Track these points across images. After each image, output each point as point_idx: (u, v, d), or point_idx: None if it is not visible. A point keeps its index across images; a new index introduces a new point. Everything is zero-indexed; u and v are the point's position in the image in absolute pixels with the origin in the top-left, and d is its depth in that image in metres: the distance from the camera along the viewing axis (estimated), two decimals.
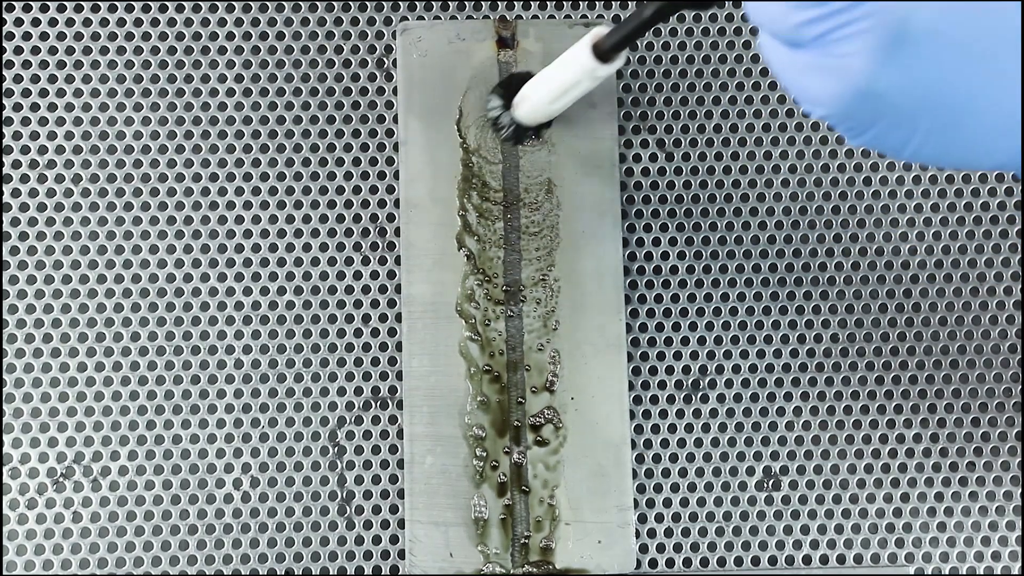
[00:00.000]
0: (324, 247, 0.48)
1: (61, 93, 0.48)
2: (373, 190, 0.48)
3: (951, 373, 0.48)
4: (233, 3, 0.49)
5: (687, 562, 0.47)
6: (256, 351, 0.47)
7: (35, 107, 0.48)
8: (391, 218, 0.48)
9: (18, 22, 0.48)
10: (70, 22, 0.48)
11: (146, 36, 0.48)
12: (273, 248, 0.48)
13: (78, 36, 0.48)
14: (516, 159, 0.47)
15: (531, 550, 0.45)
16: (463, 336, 0.46)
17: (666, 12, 0.37)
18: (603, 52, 0.40)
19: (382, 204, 0.48)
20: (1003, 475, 0.48)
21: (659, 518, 0.47)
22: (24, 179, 0.47)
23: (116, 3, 0.48)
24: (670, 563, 0.47)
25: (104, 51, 0.48)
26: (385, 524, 0.46)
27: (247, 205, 0.48)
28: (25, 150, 0.47)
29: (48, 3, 0.48)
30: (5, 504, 0.45)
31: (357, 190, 0.48)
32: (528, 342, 0.46)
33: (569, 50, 0.41)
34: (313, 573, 0.46)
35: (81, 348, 0.46)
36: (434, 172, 0.47)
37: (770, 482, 0.47)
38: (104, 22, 0.48)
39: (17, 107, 0.47)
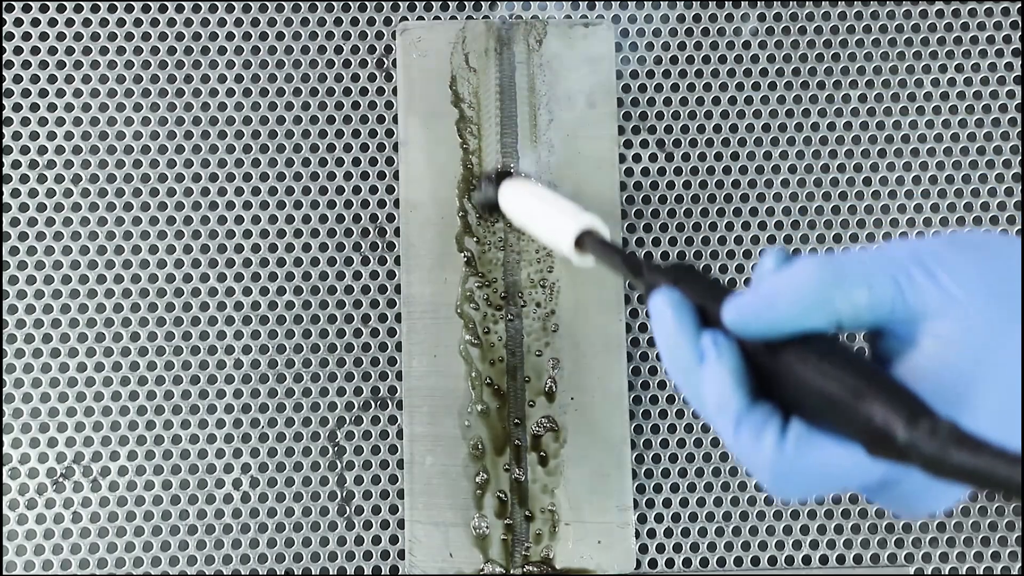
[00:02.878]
0: (324, 247, 0.48)
1: (61, 93, 0.48)
2: (373, 190, 0.48)
3: None
4: (233, 3, 0.49)
5: (687, 562, 0.47)
6: (256, 351, 0.47)
7: (35, 107, 0.47)
8: (391, 218, 0.48)
9: (18, 22, 0.48)
10: (70, 22, 0.48)
11: (146, 36, 0.48)
12: (273, 248, 0.47)
13: (78, 36, 0.48)
14: (516, 160, 0.47)
15: (531, 556, 0.45)
16: (463, 338, 0.46)
17: (633, 274, 0.34)
18: (582, 247, 0.37)
19: (382, 204, 0.48)
20: None
21: (659, 518, 0.47)
22: (24, 179, 0.47)
23: (116, 3, 0.48)
24: (670, 563, 0.47)
25: (104, 51, 0.48)
26: (385, 524, 0.46)
27: (247, 205, 0.48)
28: (25, 150, 0.47)
29: (48, 3, 0.48)
30: (5, 504, 0.45)
31: (357, 190, 0.48)
32: (528, 345, 0.46)
33: (564, 211, 0.38)
34: (313, 573, 0.46)
35: (81, 348, 0.46)
36: (434, 172, 0.47)
37: None
38: (104, 22, 0.48)
39: (17, 107, 0.47)
